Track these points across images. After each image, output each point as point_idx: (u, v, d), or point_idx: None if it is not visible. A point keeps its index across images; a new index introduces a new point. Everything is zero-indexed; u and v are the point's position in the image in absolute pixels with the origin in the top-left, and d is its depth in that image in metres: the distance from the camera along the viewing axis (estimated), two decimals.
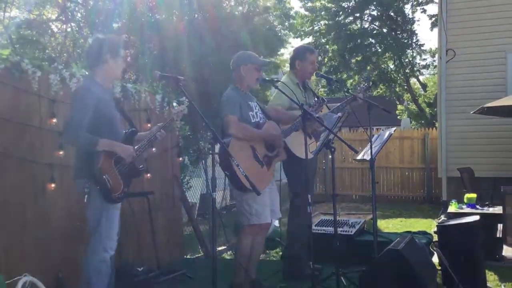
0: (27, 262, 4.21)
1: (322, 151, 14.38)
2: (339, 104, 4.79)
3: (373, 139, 5.25)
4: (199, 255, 6.83)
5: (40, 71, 4.34)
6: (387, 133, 5.04)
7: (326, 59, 22.04)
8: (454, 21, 10.90)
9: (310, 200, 3.92)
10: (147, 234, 5.48)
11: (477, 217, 5.34)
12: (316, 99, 4.75)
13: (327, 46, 21.94)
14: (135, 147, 3.75)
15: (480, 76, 10.60)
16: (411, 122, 22.70)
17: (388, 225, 10.21)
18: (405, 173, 13.66)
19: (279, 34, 12.74)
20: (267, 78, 4.32)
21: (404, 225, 9.90)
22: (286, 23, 13.02)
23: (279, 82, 4.85)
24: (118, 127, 3.76)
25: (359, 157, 5.20)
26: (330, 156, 4.13)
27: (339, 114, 4.09)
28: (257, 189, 3.35)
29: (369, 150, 4.85)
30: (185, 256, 6.65)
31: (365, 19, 21.97)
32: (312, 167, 4.81)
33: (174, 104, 5.34)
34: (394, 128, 5.08)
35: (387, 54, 21.17)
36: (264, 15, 11.01)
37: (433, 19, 20.35)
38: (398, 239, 4.37)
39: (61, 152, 4.48)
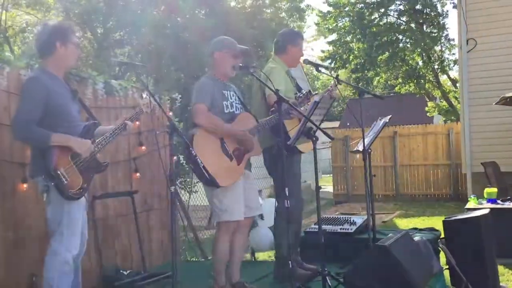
0: None
1: (342, 151, 13.83)
2: (323, 91, 4.46)
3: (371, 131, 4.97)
4: (200, 259, 6.62)
5: (9, 66, 4.17)
6: (381, 122, 4.71)
7: (351, 57, 21.55)
8: (474, 8, 10.40)
9: (287, 194, 3.59)
10: (137, 236, 5.26)
11: (486, 211, 4.94)
12: (300, 91, 4.45)
13: (352, 44, 21.46)
14: (97, 140, 3.55)
15: (503, 66, 10.07)
16: (445, 122, 21.92)
17: (409, 224, 9.76)
18: (429, 171, 13.15)
19: (290, 27, 12.40)
20: (241, 65, 4.00)
21: (425, 224, 9.42)
22: (296, 15, 12.52)
23: (271, 67, 4.47)
24: (76, 120, 3.55)
25: (355, 148, 4.88)
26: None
27: (316, 99, 3.75)
28: (216, 182, 3.09)
29: (367, 141, 4.54)
30: (181, 258, 6.40)
31: (391, 14, 21.41)
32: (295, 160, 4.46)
33: (144, 96, 5.13)
34: (389, 116, 4.73)
35: (415, 50, 20.55)
36: (273, 9, 10.68)
37: None
38: (390, 234, 4.03)
39: None
